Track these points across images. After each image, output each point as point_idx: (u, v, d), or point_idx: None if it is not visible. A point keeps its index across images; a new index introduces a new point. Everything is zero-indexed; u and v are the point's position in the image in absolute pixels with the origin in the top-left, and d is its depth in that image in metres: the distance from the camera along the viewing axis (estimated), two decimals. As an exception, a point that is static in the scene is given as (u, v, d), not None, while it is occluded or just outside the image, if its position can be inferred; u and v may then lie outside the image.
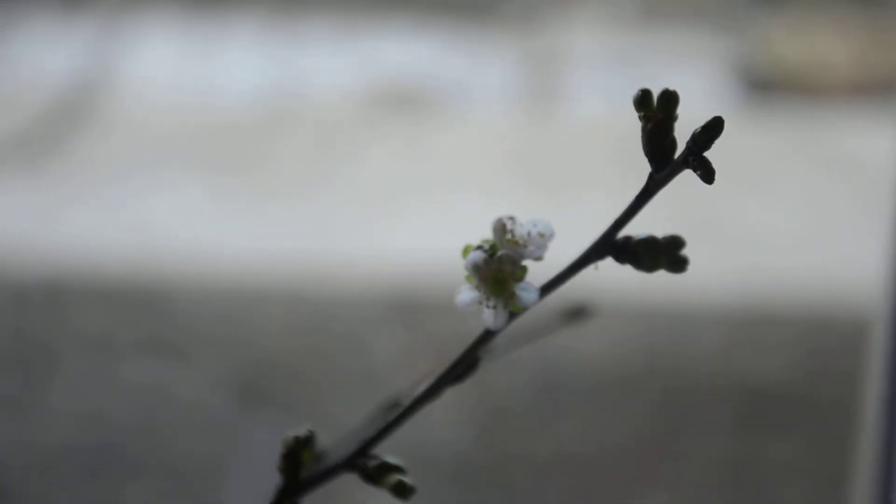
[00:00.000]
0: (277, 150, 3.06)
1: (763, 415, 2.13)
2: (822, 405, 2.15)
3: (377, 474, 0.49)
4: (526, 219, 0.46)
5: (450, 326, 2.32)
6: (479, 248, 0.45)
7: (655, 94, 0.44)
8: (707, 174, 0.42)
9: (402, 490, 0.48)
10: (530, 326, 0.66)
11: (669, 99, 0.43)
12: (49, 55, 3.45)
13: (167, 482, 1.81)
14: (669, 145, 0.43)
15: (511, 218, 0.45)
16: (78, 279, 2.49)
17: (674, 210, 2.89)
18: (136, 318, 2.34)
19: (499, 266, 0.45)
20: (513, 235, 0.45)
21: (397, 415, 0.49)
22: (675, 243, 0.45)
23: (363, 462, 0.49)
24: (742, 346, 2.37)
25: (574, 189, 3.02)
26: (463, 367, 0.48)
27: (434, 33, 3.70)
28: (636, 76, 3.53)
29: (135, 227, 2.69)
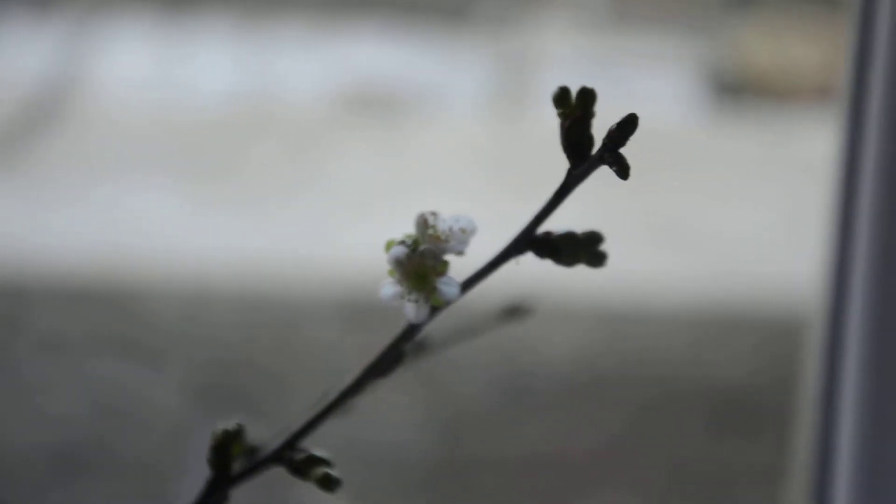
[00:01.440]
0: (249, 152, 3.06)
1: (731, 418, 2.14)
2: (789, 409, 2.15)
3: (304, 467, 0.49)
4: (448, 214, 0.46)
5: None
6: (402, 242, 0.46)
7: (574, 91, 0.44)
8: (622, 170, 0.43)
9: (328, 482, 0.48)
10: (469, 323, 0.67)
11: (587, 96, 0.44)
12: (22, 55, 3.45)
13: (125, 482, 1.81)
14: (587, 142, 0.44)
15: (433, 213, 0.46)
16: (48, 279, 2.49)
17: (642, 213, 2.91)
18: (104, 319, 2.34)
19: (420, 261, 0.45)
20: (435, 231, 0.46)
21: (323, 408, 0.49)
22: (593, 238, 0.46)
23: (290, 455, 0.49)
24: (710, 350, 2.38)
25: (545, 189, 3.03)
26: (387, 361, 0.48)
27: (406, 36, 3.71)
28: (607, 79, 3.54)
29: (106, 227, 2.69)
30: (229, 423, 0.50)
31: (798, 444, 0.77)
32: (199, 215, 2.77)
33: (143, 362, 2.16)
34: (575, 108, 0.44)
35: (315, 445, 0.50)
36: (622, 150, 0.43)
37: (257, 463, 0.50)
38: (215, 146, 3.11)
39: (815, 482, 0.70)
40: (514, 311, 0.65)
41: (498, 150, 3.24)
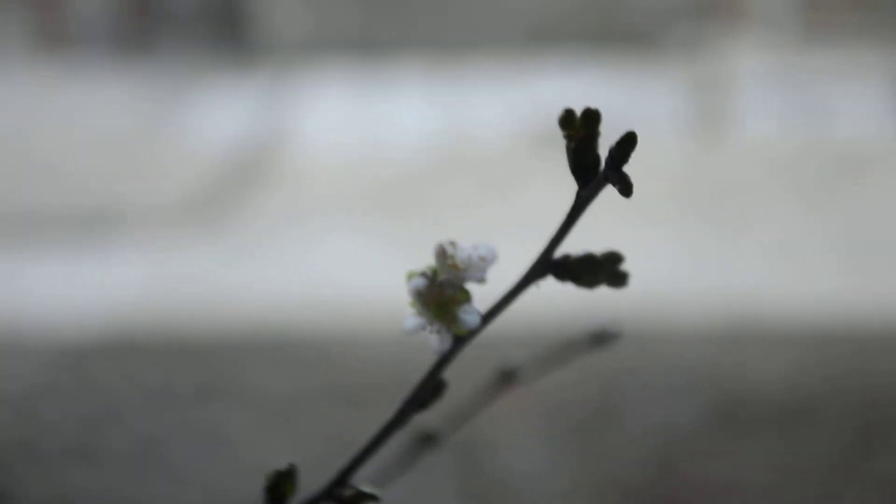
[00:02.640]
0: (444, 196, 3.09)
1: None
2: None
3: (353, 503, 0.50)
4: (468, 243, 0.47)
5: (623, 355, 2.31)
6: (422, 274, 0.46)
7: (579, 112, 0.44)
8: (625, 188, 0.43)
9: (374, 517, 0.49)
10: (556, 351, 0.67)
11: (591, 117, 0.44)
12: (221, 114, 3.54)
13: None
14: (593, 162, 0.44)
15: (452, 243, 0.46)
16: (255, 332, 2.54)
17: (845, 233, 2.86)
18: (314, 370, 2.38)
19: (440, 291, 0.46)
20: (453, 260, 0.46)
21: (367, 445, 0.50)
22: (612, 259, 0.46)
23: (340, 492, 0.50)
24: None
25: (743, 213, 2.99)
26: (425, 393, 0.49)
27: (594, 66, 3.70)
28: (803, 97, 3.48)
29: (310, 278, 2.74)
30: (281, 464, 0.51)
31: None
32: (396, 262, 2.80)
33: (354, 408, 2.19)
34: (580, 130, 0.44)
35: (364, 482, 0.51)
36: (626, 168, 0.43)
37: (311, 500, 0.51)
38: (412, 192, 3.14)
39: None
40: (600, 338, 0.65)
41: (693, 174, 3.21)
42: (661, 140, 3.42)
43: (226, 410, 2.24)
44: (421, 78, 3.67)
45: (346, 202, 3.12)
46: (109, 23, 4.04)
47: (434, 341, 0.46)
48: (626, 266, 0.45)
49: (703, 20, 3.82)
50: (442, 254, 0.46)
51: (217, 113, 3.55)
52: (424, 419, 0.71)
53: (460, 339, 0.47)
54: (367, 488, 0.50)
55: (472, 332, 0.46)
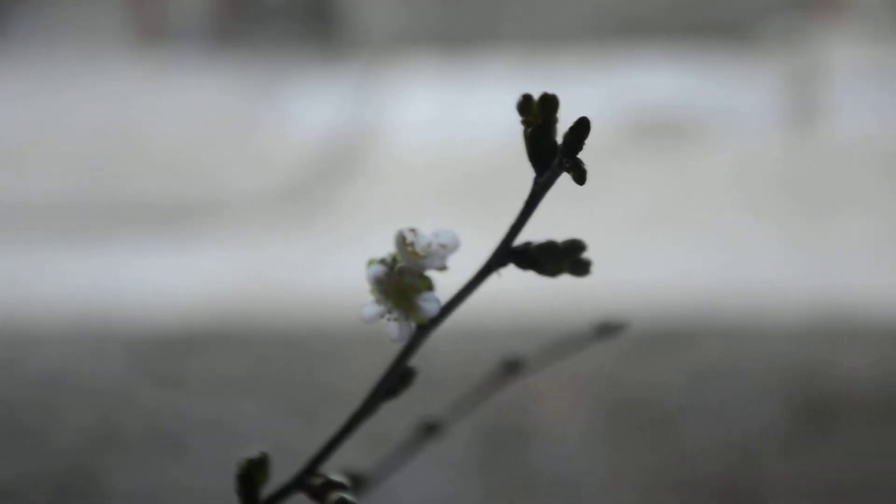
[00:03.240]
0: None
1: None
2: None
3: (322, 492, 0.50)
4: (429, 230, 0.46)
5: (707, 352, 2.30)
6: (382, 261, 0.46)
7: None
8: (579, 175, 0.42)
9: (343, 507, 0.49)
10: (561, 342, 0.66)
11: (549, 103, 0.44)
12: (313, 108, 3.56)
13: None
14: (550, 148, 0.43)
15: (412, 230, 0.46)
16: (349, 322, 2.54)
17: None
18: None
19: (399, 278, 0.45)
20: (413, 247, 0.45)
21: (337, 434, 0.50)
22: (575, 247, 0.45)
23: (310, 481, 0.50)
24: None
25: (840, 208, 2.95)
26: (392, 381, 0.48)
27: (687, 59, 3.67)
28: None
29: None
30: (252, 452, 0.51)
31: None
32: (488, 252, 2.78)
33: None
34: (537, 116, 0.44)
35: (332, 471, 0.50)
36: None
37: (280, 490, 0.51)
38: (501, 183, 3.13)
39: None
40: (605, 330, 0.64)
41: (789, 169, 3.17)
42: (756, 134, 3.38)
43: (316, 400, 2.25)
44: (511, 71, 3.66)
45: (436, 194, 3.12)
46: (205, 17, 4.08)
47: (392, 329, 0.46)
48: (587, 254, 0.44)
49: (800, 13, 3.77)
50: (402, 241, 0.46)
51: (309, 106, 3.57)
52: (430, 410, 0.70)
53: (423, 328, 0.46)
54: (336, 477, 0.50)
55: (433, 321, 0.46)
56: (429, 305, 0.45)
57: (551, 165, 0.42)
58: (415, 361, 0.60)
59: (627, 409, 2.19)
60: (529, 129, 0.43)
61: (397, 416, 0.77)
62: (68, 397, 2.31)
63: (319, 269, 2.78)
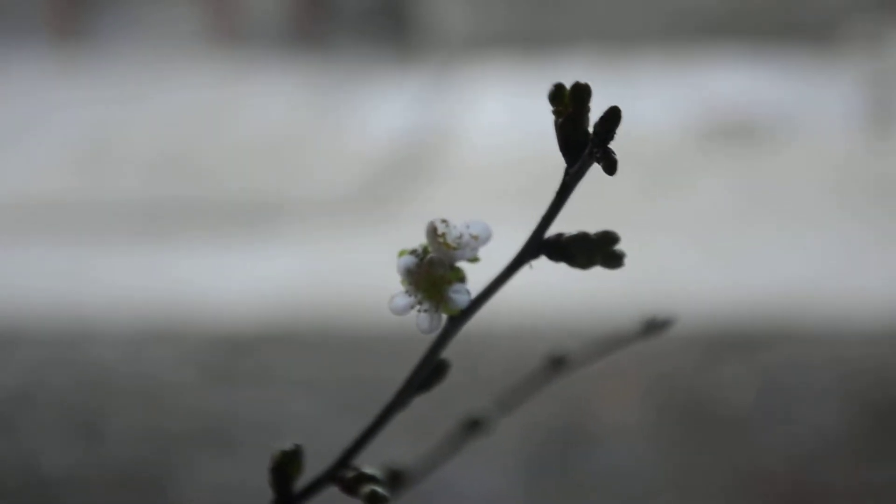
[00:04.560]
0: (609, 190, 3.06)
1: None
2: None
3: (354, 484, 0.49)
4: (461, 221, 0.46)
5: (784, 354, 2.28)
6: (413, 252, 0.46)
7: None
8: (609, 165, 0.42)
9: (374, 499, 0.49)
10: (609, 337, 0.66)
11: (581, 92, 0.43)
12: (387, 109, 3.56)
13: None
14: (581, 139, 0.43)
15: (444, 221, 0.45)
16: (411, 327, 2.54)
17: None
18: (474, 360, 2.38)
19: (429, 269, 0.45)
20: (445, 238, 0.45)
21: (369, 427, 0.49)
22: (608, 238, 0.45)
23: (342, 474, 0.50)
24: None
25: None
26: (424, 374, 0.48)
27: (766, 60, 3.64)
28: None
29: (470, 268, 2.73)
30: (286, 444, 0.51)
31: None
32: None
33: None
34: (569, 105, 0.43)
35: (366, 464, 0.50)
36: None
37: (312, 483, 0.50)
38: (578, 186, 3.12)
39: None
40: (652, 326, 0.63)
41: (868, 169, 3.14)
42: (836, 134, 3.35)
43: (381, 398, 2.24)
44: (586, 73, 3.65)
45: (507, 195, 3.11)
46: (282, 19, 4.10)
47: (423, 321, 0.45)
48: (620, 246, 0.44)
49: (882, 15, 3.73)
50: (433, 232, 0.45)
51: (383, 107, 3.58)
52: (477, 404, 0.70)
53: (455, 320, 0.46)
54: (369, 470, 0.50)
55: (464, 313, 0.45)
56: (459, 297, 0.45)
57: (582, 156, 0.42)
58: (467, 361, 0.59)
59: (700, 410, 2.17)
60: (560, 119, 0.42)
61: (446, 413, 0.77)
62: (136, 390, 2.33)
63: (390, 268, 2.78)
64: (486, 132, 3.43)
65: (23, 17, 4.19)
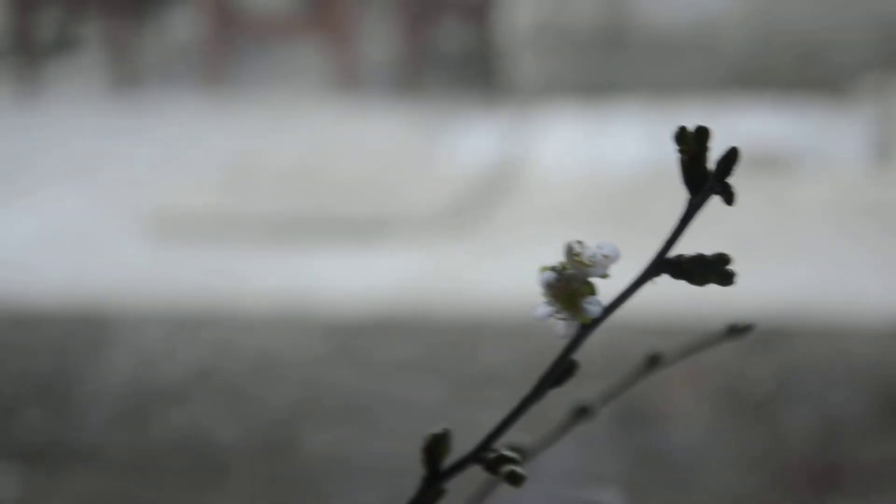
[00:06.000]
0: (659, 213, 3.03)
1: None
2: None
3: (495, 465, 0.48)
4: (594, 242, 0.44)
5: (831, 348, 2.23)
6: (553, 268, 0.44)
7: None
8: (728, 198, 0.40)
9: (514, 478, 0.47)
10: (694, 341, 0.63)
11: (703, 135, 0.41)
12: (476, 142, 3.56)
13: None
14: (703, 174, 0.41)
15: (579, 242, 0.44)
16: (496, 320, 2.53)
17: None
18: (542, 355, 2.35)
19: (567, 284, 0.43)
20: (580, 257, 0.43)
21: (509, 415, 0.47)
22: (721, 260, 0.43)
23: (485, 455, 0.48)
24: None
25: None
26: (558, 372, 0.46)
27: (791, 107, 3.59)
28: None
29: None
30: (437, 429, 0.49)
31: None
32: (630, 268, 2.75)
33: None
34: (693, 145, 0.41)
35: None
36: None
37: (458, 462, 0.49)
38: (631, 206, 3.10)
39: None
40: (734, 330, 0.61)
41: (873, 197, 3.08)
42: (847, 168, 3.31)
43: (478, 379, 2.23)
44: (638, 115, 3.62)
45: (575, 215, 3.09)
46: (392, 66, 4.12)
47: (561, 327, 0.44)
48: (732, 266, 0.42)
49: (888, 70, 3.67)
50: (570, 251, 0.44)
51: (473, 140, 3.58)
52: (583, 396, 0.68)
53: (586, 327, 0.44)
54: (508, 452, 0.48)
55: (595, 321, 0.44)
56: (592, 308, 0.43)
57: (703, 189, 0.40)
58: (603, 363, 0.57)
59: (742, 396, 2.14)
60: (686, 157, 0.40)
61: (550, 401, 0.75)
62: (277, 373, 2.33)
63: (478, 271, 2.77)
64: (556, 162, 3.42)
65: (183, 68, 4.24)
